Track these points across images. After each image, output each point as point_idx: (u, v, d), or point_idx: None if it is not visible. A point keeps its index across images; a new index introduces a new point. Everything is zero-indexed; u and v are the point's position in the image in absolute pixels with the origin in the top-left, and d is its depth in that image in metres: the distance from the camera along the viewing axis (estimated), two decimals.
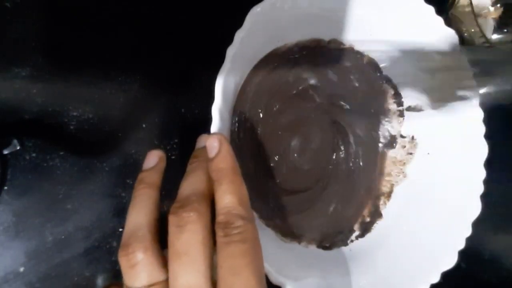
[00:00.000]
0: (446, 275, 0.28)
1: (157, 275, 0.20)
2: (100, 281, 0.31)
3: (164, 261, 0.20)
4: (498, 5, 0.38)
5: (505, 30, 0.39)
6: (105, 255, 0.32)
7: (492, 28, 0.39)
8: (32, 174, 0.31)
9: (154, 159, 0.24)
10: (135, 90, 0.33)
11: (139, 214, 0.21)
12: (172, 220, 0.20)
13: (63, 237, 0.31)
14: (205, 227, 0.19)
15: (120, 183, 0.32)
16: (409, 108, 0.35)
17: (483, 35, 0.35)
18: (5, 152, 0.29)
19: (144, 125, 0.33)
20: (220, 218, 0.20)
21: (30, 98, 0.31)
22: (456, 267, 0.28)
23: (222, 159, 0.21)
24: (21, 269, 0.30)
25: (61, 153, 0.32)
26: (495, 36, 0.39)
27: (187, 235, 0.19)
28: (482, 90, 0.41)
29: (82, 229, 0.31)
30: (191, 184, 0.21)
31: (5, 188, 0.30)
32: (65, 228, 0.31)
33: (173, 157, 0.34)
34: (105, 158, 0.32)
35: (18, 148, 0.29)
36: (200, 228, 0.19)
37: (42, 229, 0.31)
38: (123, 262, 0.20)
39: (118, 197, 0.32)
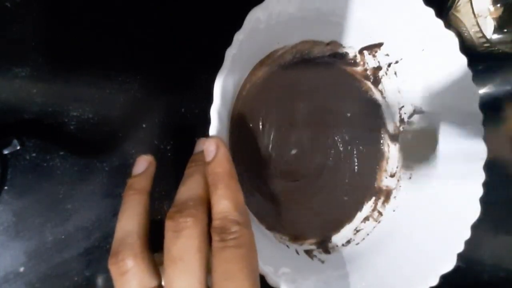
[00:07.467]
0: (445, 276, 0.28)
1: (148, 282, 0.20)
2: (100, 281, 0.32)
3: (155, 267, 0.20)
4: (498, 5, 0.38)
5: (505, 30, 0.38)
6: (105, 255, 0.32)
7: (492, 28, 0.39)
8: (32, 174, 0.31)
9: (143, 164, 0.24)
10: (135, 90, 0.33)
11: (128, 221, 0.21)
12: (169, 225, 0.20)
13: (63, 237, 0.31)
14: (202, 232, 0.19)
15: (120, 183, 0.32)
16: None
17: (483, 35, 0.34)
18: (5, 152, 0.29)
19: (144, 125, 0.33)
20: (216, 223, 0.20)
21: (30, 98, 0.31)
22: (456, 268, 0.28)
23: (218, 163, 0.21)
24: (21, 269, 0.30)
25: (61, 153, 0.32)
26: (495, 36, 0.39)
27: (183, 240, 0.19)
28: (482, 90, 0.41)
29: (82, 229, 0.32)
30: (189, 188, 0.21)
31: (5, 188, 0.30)
32: (65, 228, 0.31)
33: (172, 157, 0.34)
34: (105, 158, 0.32)
35: (18, 148, 0.29)
36: (196, 233, 0.19)
37: (42, 229, 0.31)
38: (113, 270, 0.20)
39: (118, 197, 0.32)
